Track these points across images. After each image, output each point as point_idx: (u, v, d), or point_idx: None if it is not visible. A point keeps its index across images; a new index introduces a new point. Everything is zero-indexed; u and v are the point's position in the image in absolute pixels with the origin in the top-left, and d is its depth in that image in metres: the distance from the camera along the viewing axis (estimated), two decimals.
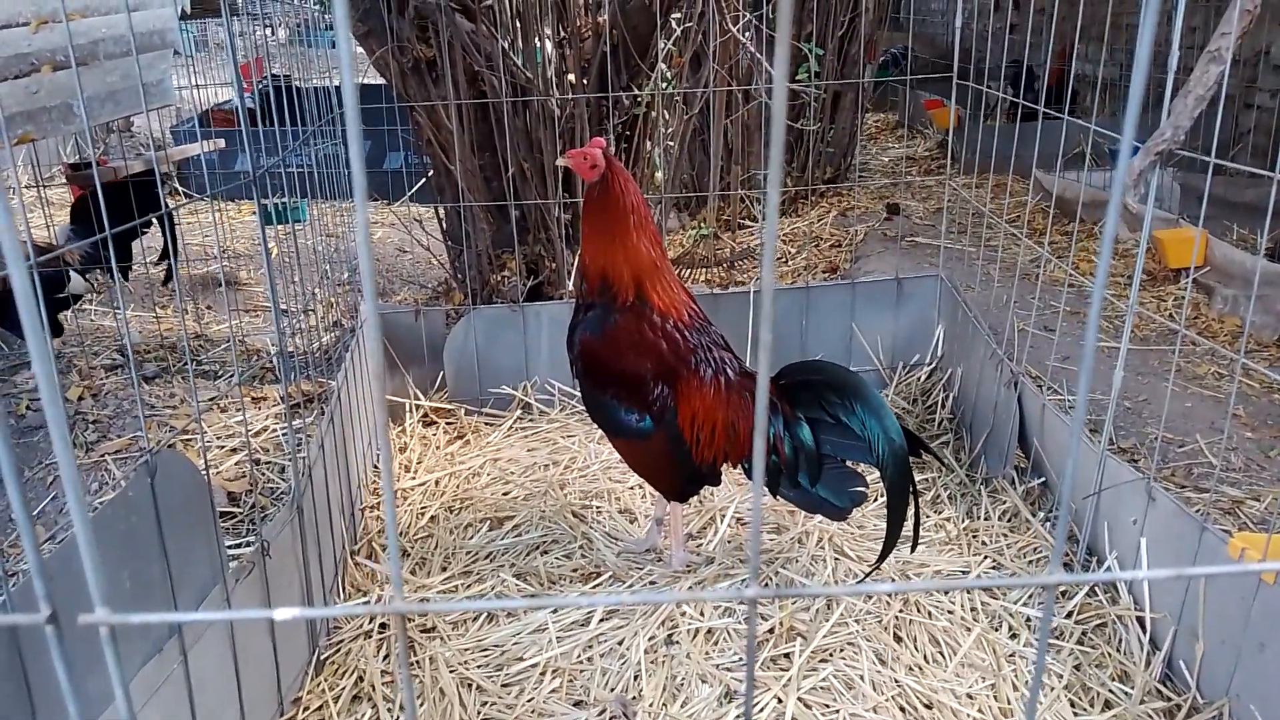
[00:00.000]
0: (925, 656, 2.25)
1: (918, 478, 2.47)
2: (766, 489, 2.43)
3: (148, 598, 1.60)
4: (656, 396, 2.42)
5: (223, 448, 3.19)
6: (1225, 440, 2.99)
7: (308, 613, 0.48)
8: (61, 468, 0.49)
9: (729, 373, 2.45)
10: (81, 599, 1.41)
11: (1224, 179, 5.43)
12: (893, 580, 2.53)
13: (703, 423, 2.41)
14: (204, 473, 1.82)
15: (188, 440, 3.18)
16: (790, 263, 5.22)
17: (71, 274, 3.62)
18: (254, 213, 3.01)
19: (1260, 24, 5.85)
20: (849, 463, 2.38)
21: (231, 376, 3.79)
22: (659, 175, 3.96)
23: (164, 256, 4.46)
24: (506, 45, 3.43)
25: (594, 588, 2.57)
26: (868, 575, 2.52)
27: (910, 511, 2.25)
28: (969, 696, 2.13)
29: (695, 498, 2.69)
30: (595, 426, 3.17)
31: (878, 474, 2.34)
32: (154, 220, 3.92)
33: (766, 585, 2.57)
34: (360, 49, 3.90)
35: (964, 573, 2.59)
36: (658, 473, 2.55)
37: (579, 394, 3.53)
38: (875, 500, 2.83)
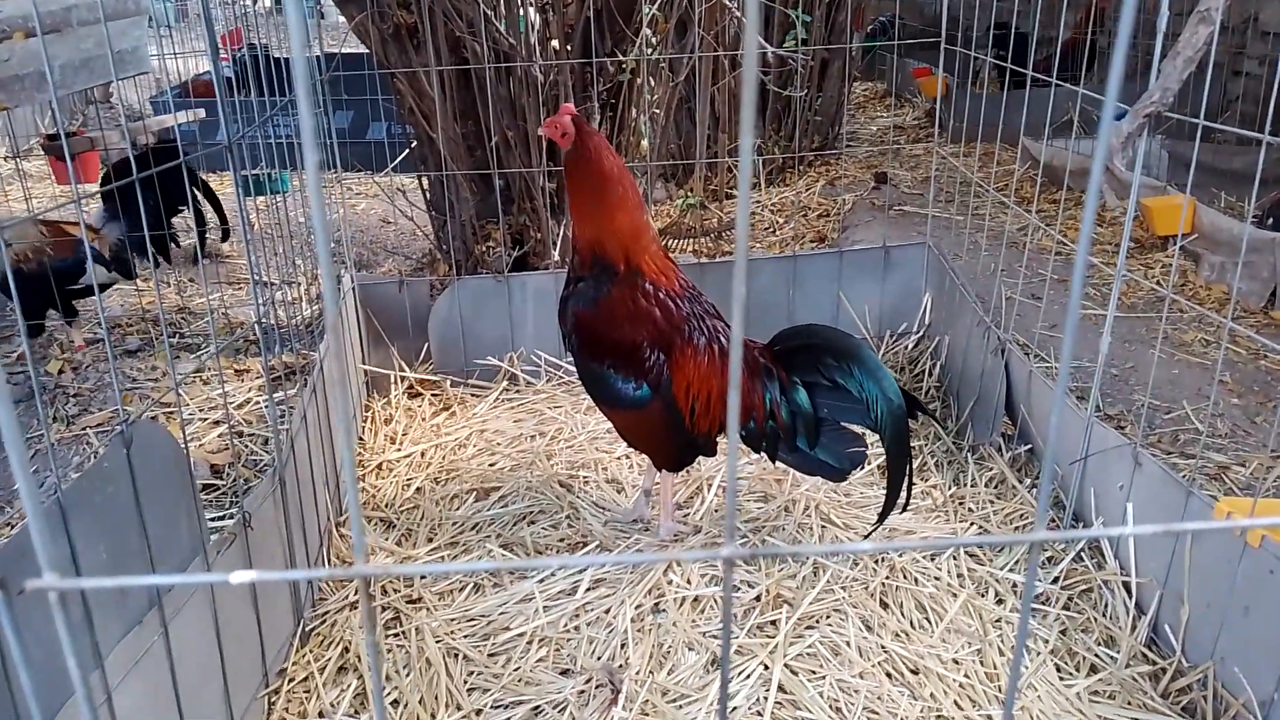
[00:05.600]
0: (911, 622, 2.26)
1: None
2: (765, 454, 2.42)
3: (126, 569, 1.58)
4: (653, 364, 2.39)
5: (205, 420, 3.16)
6: (1211, 406, 2.99)
7: (264, 575, 0.46)
8: (4, 430, 0.46)
9: (722, 340, 2.43)
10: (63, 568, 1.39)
11: (1211, 146, 5.41)
12: (878, 541, 2.53)
13: (697, 391, 2.40)
14: (183, 444, 1.79)
15: (169, 412, 3.15)
16: (778, 232, 5.20)
17: (94, 265, 3.54)
18: (250, 182, 2.96)
19: None
20: (846, 425, 2.37)
21: (214, 349, 3.75)
22: (645, 144, 3.92)
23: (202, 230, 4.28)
24: (489, 11, 3.37)
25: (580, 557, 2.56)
26: (867, 537, 2.52)
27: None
28: (955, 661, 2.14)
29: None
30: (582, 397, 3.15)
31: (872, 435, 2.34)
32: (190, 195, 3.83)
33: (743, 545, 2.57)
34: (341, 16, 3.83)
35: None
36: (655, 443, 2.53)
37: (565, 365, 3.52)
38: (862, 467, 2.83)
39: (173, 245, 4.28)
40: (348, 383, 3.08)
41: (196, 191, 3.91)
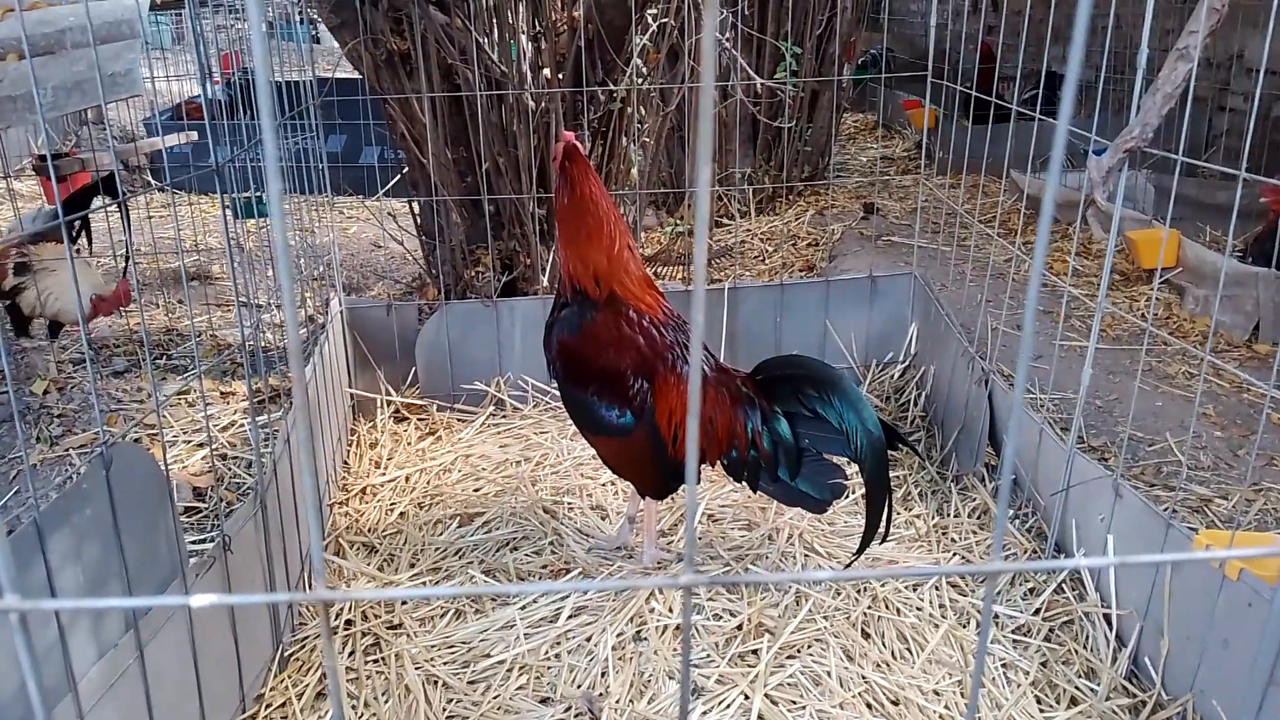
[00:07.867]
0: (893, 653, 2.25)
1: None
2: (746, 484, 2.43)
3: (103, 591, 1.57)
4: (636, 391, 2.40)
5: (189, 442, 3.15)
6: (1193, 439, 3.01)
7: (226, 599, 0.46)
8: None
9: (705, 369, 2.44)
10: (31, 587, 1.39)
11: (1197, 181, 5.47)
12: (857, 569, 2.53)
13: (680, 419, 2.40)
14: (164, 466, 1.79)
15: (153, 434, 3.14)
16: (767, 261, 5.22)
17: None
18: (227, 206, 2.99)
19: (1233, 26, 5.91)
20: (827, 455, 2.38)
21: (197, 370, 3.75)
22: (635, 172, 3.95)
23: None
24: (481, 38, 3.41)
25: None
26: (847, 567, 2.52)
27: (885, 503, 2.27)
28: (936, 693, 2.13)
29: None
30: (568, 423, 3.15)
31: (852, 466, 2.35)
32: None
33: (725, 571, 2.56)
34: (335, 42, 3.86)
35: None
36: (640, 470, 2.53)
37: (552, 390, 3.52)
38: (846, 496, 2.83)
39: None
40: (307, 407, 3.07)
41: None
